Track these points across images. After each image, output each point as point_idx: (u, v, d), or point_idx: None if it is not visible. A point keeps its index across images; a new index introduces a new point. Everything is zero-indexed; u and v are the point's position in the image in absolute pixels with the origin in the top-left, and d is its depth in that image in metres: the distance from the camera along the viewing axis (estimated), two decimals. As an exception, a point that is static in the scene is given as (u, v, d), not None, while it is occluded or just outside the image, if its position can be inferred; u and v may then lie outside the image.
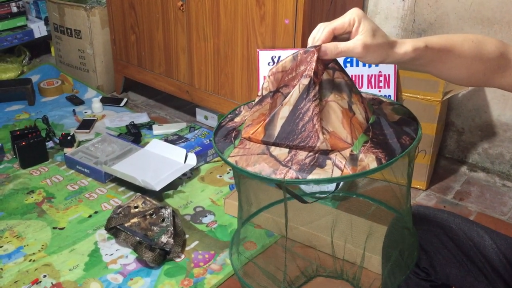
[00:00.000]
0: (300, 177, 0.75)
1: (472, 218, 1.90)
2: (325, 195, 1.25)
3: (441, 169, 2.19)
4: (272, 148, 0.80)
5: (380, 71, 1.86)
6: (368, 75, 1.87)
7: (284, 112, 0.78)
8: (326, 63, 0.80)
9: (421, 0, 2.12)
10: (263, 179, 0.77)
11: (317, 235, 1.70)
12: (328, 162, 0.76)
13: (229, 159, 0.82)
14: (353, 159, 0.76)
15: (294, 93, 0.78)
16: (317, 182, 0.73)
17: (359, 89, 0.87)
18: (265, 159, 0.79)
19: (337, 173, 0.74)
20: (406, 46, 0.80)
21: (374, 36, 0.77)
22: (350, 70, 1.87)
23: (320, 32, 0.79)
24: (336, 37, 0.80)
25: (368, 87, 1.88)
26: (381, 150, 0.77)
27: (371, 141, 0.79)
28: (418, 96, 1.92)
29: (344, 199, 1.99)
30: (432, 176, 2.11)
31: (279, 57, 1.90)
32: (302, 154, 0.78)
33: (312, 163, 0.76)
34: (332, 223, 1.69)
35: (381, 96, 1.00)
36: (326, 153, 0.77)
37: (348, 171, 0.74)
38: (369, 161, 0.75)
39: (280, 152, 0.79)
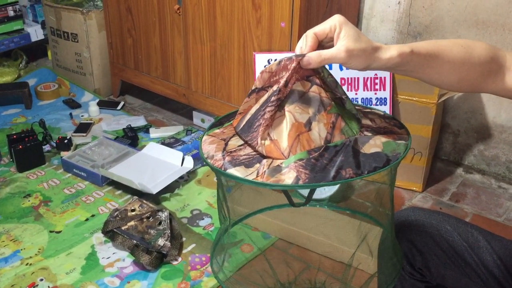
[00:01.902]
0: (223, 168, 0.78)
1: (468, 220, 1.91)
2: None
3: (437, 171, 2.20)
4: (234, 138, 0.84)
5: (376, 74, 1.87)
6: (364, 78, 1.88)
7: (253, 109, 0.82)
8: (307, 75, 0.80)
9: (416, 3, 2.13)
10: (204, 160, 0.82)
11: (313, 237, 1.71)
12: (256, 165, 0.77)
13: (204, 137, 0.88)
14: (275, 170, 0.76)
15: (265, 95, 0.80)
16: (230, 177, 0.78)
17: (352, 111, 0.84)
18: (219, 143, 0.84)
19: (251, 177, 0.76)
20: (391, 51, 0.80)
21: (357, 41, 0.77)
22: (345, 73, 1.88)
23: (304, 41, 0.79)
24: (321, 46, 0.80)
25: (364, 90, 1.89)
26: (308, 172, 0.75)
27: (307, 160, 0.76)
28: (414, 98, 1.93)
29: (341, 201, 1.99)
30: (428, 178, 2.12)
31: (275, 60, 1.90)
32: (246, 150, 0.80)
33: (243, 161, 0.79)
34: (328, 225, 1.69)
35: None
36: (263, 157, 0.78)
37: (262, 178, 0.75)
38: (287, 177, 0.75)
39: (233, 143, 0.83)
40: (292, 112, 0.78)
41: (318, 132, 0.79)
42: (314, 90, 0.80)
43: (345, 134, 0.81)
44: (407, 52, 0.81)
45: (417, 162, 2.00)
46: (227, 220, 1.02)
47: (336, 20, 0.78)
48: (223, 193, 0.97)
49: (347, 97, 0.84)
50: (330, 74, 0.83)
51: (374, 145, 0.82)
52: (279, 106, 0.79)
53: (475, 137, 2.18)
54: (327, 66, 0.82)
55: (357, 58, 0.78)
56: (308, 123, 0.79)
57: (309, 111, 0.79)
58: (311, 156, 0.77)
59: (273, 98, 0.78)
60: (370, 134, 0.84)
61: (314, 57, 0.77)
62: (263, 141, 0.78)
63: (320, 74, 0.81)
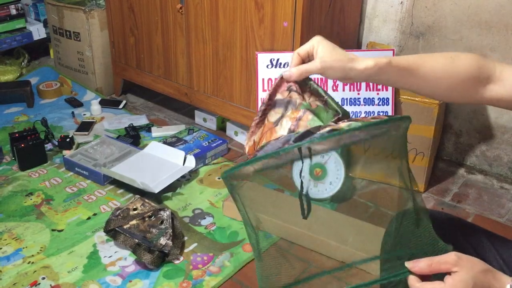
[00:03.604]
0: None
1: (470, 220, 1.91)
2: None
3: (439, 171, 2.20)
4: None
5: (378, 74, 1.87)
6: (366, 78, 1.88)
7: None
8: (289, 86, 0.92)
9: (419, 3, 2.13)
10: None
11: (315, 237, 1.71)
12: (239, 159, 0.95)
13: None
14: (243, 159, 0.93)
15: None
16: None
17: (331, 107, 0.90)
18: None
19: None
20: (367, 61, 0.87)
21: (331, 53, 0.88)
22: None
23: (290, 60, 0.91)
24: (304, 62, 0.91)
25: (366, 90, 1.89)
26: (259, 152, 0.86)
27: (264, 145, 0.88)
28: (416, 99, 1.93)
29: (343, 201, 1.99)
30: (430, 179, 2.12)
31: (278, 59, 1.90)
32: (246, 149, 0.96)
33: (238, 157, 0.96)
34: (330, 225, 1.70)
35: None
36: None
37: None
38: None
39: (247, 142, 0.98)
40: (268, 117, 0.93)
41: (284, 126, 0.90)
42: (291, 96, 0.92)
43: (310, 125, 0.89)
44: (384, 62, 0.87)
45: (419, 162, 2.00)
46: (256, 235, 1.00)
47: (314, 40, 0.91)
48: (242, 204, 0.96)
49: (329, 96, 0.91)
50: (316, 84, 0.92)
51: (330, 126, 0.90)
52: (264, 115, 0.93)
53: (477, 138, 2.18)
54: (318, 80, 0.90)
55: (332, 68, 0.88)
56: (277, 121, 0.91)
57: (281, 112, 0.92)
58: (268, 142, 0.89)
59: (261, 109, 0.93)
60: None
61: (294, 71, 0.89)
62: (248, 144, 0.94)
63: (306, 85, 0.92)
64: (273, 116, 0.92)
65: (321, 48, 0.89)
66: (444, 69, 0.89)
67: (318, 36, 0.91)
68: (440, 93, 0.92)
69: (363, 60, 0.87)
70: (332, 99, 0.91)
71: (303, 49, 0.91)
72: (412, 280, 0.76)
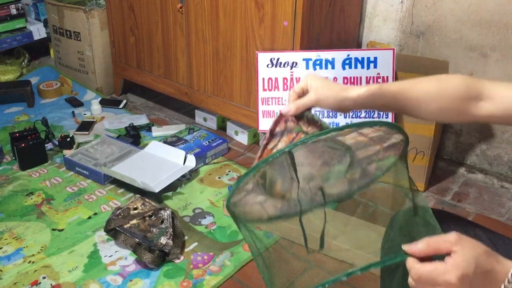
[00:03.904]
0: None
1: (470, 219, 1.91)
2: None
3: (439, 171, 2.20)
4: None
5: (378, 73, 1.87)
6: (367, 77, 1.88)
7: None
8: (287, 120, 0.98)
9: (419, 2, 2.13)
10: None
11: (315, 236, 1.71)
12: None
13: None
14: None
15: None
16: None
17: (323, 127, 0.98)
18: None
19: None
20: (360, 89, 0.93)
21: (324, 85, 0.95)
22: (348, 73, 1.87)
23: (287, 97, 0.98)
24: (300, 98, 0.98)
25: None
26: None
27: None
28: (416, 98, 1.93)
29: (343, 200, 1.99)
30: (430, 178, 2.12)
31: (278, 59, 1.90)
32: None
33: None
34: (330, 225, 1.69)
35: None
36: None
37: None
38: None
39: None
40: (268, 146, 0.98)
41: (279, 148, 0.96)
42: (287, 125, 0.98)
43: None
44: (375, 88, 0.93)
45: (419, 162, 2.00)
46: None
47: (308, 77, 0.98)
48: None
49: (323, 122, 0.99)
50: (312, 114, 0.99)
51: None
52: (266, 149, 0.99)
53: (478, 137, 2.18)
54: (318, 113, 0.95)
55: (326, 98, 0.95)
56: (275, 147, 0.97)
57: (277, 139, 0.98)
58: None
59: (261, 145, 0.98)
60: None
61: (292, 106, 0.97)
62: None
63: (302, 117, 0.98)
64: (271, 144, 0.99)
65: (314, 82, 0.96)
66: (435, 90, 0.93)
67: (311, 74, 1.01)
68: (434, 114, 0.95)
69: (356, 88, 0.93)
70: (325, 123, 0.98)
71: (298, 86, 0.98)
72: (410, 262, 0.71)
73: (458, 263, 0.67)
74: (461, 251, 0.68)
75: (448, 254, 0.69)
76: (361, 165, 0.95)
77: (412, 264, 0.71)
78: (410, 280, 0.72)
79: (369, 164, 0.96)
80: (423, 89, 0.94)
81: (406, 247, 0.72)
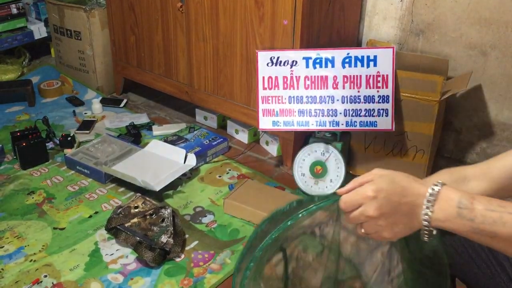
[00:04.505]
0: None
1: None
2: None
3: (439, 169, 2.18)
4: None
5: (378, 72, 1.87)
6: (367, 76, 1.88)
7: None
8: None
9: (419, 0, 2.13)
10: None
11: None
12: None
13: None
14: None
15: None
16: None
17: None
18: None
19: None
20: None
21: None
22: (348, 71, 1.88)
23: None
24: None
25: (366, 87, 1.89)
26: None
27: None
28: (416, 96, 1.93)
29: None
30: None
31: (278, 57, 1.91)
32: None
33: None
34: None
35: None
36: None
37: None
38: None
39: None
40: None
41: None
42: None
43: None
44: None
45: (419, 160, 2.01)
46: None
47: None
48: None
49: None
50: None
51: None
52: None
53: (477, 135, 2.18)
54: None
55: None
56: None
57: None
58: None
59: None
60: None
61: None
62: None
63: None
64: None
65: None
66: None
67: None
68: None
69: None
70: None
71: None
72: (341, 202, 0.78)
73: (374, 181, 0.75)
74: (379, 175, 0.76)
75: None
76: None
77: (340, 200, 0.78)
78: (345, 217, 0.78)
79: None
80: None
81: (337, 191, 0.80)
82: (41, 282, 1.58)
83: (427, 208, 0.72)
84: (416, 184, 0.75)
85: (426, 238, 0.74)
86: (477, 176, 0.95)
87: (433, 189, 0.73)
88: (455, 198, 0.72)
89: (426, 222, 0.72)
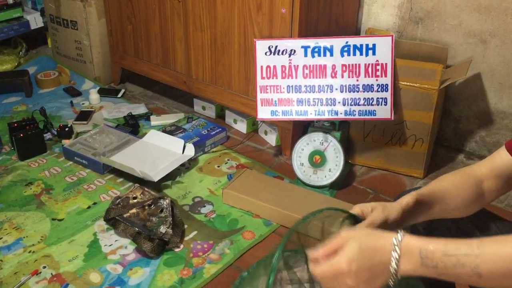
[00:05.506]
0: None
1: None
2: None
3: (438, 158, 2.20)
4: None
5: (377, 60, 1.86)
6: (366, 64, 1.87)
7: None
8: None
9: (418, -12, 2.11)
10: None
11: (315, 224, 1.71)
12: None
13: None
14: None
15: None
16: None
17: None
18: None
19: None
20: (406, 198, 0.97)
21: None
22: (346, 60, 1.86)
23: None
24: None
25: (365, 76, 1.88)
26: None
27: None
28: (415, 85, 1.92)
29: (342, 188, 2.00)
30: (429, 165, 2.12)
31: (276, 46, 1.89)
32: None
33: None
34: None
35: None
36: None
37: None
38: None
39: None
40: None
41: None
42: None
43: None
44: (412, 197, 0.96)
45: (418, 149, 2.00)
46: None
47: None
48: None
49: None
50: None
51: None
52: None
53: (477, 123, 2.17)
54: None
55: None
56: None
57: None
58: None
59: None
60: None
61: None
62: None
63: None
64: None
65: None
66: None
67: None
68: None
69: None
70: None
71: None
72: (317, 276, 0.83)
73: (343, 250, 0.79)
74: (346, 239, 0.80)
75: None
76: None
77: (313, 267, 0.83)
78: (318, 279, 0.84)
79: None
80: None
81: (309, 253, 0.84)
82: (40, 273, 1.58)
83: (394, 263, 0.77)
84: (381, 240, 0.79)
85: (391, 284, 0.79)
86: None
87: (395, 244, 0.78)
88: (416, 248, 0.76)
89: (396, 276, 0.78)
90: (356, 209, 0.96)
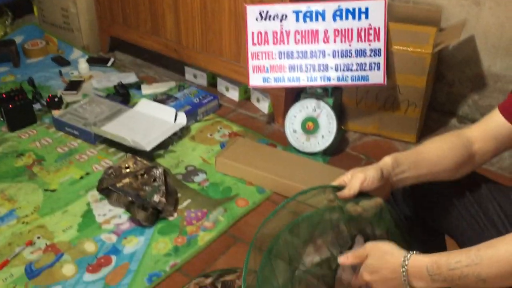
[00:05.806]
0: None
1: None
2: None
3: (431, 122, 2.19)
4: None
5: (370, 24, 1.83)
6: (358, 29, 1.84)
7: None
8: None
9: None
10: None
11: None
12: None
13: None
14: None
15: None
16: None
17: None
18: None
19: None
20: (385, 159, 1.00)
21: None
22: (339, 25, 1.83)
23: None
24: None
25: (358, 41, 1.85)
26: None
27: None
28: (408, 49, 1.90)
29: (335, 154, 2.00)
30: (422, 129, 2.12)
31: (267, 11, 1.86)
32: None
33: None
34: (323, 178, 1.70)
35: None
36: None
37: None
38: None
39: None
40: None
41: None
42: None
43: None
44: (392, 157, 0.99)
45: (411, 113, 2.00)
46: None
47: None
48: None
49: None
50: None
51: None
52: None
53: (470, 87, 2.16)
54: None
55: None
56: None
57: None
58: None
59: None
60: None
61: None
62: None
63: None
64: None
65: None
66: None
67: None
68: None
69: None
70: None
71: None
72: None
73: (367, 261, 0.89)
74: (369, 249, 0.90)
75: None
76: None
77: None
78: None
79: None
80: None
81: (340, 259, 0.91)
82: (34, 243, 1.59)
83: (408, 283, 0.85)
84: (392, 259, 0.87)
85: None
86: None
87: (403, 265, 0.85)
88: (423, 266, 0.83)
89: None
90: (337, 181, 1.00)
